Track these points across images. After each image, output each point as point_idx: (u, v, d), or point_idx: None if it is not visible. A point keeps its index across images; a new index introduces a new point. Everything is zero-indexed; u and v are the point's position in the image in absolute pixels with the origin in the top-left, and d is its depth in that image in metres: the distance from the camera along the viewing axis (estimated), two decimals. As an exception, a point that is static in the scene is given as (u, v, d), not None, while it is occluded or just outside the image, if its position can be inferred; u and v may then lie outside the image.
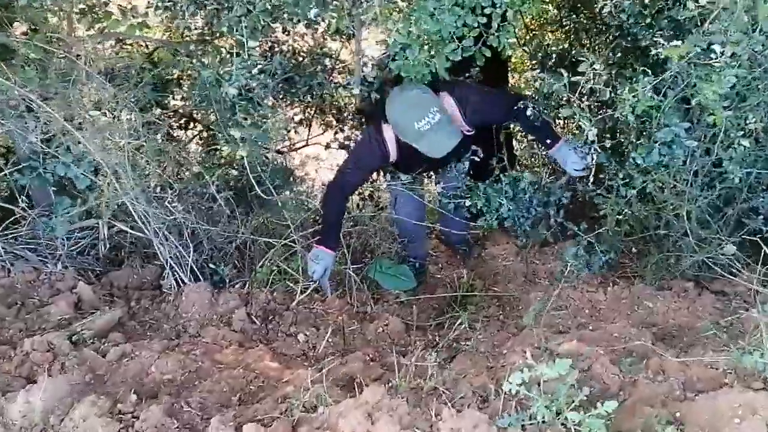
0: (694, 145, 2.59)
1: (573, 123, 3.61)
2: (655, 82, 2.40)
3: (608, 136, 2.92)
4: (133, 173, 2.83)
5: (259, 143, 2.62)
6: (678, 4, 2.67)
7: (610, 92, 2.53)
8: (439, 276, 3.84)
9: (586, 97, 3.00)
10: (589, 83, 2.55)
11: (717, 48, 2.35)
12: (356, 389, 2.20)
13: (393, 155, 2.93)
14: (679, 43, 2.33)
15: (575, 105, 2.60)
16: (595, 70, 2.52)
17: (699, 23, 2.68)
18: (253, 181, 2.73)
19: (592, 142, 2.71)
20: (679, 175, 2.76)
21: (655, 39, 2.71)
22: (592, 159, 2.84)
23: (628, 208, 2.95)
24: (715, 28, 2.31)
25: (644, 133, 2.76)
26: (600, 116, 2.70)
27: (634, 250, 3.13)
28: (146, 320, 2.68)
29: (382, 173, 3.41)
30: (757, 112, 2.56)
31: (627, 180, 2.80)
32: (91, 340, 2.45)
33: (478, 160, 3.18)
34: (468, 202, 3.01)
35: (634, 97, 2.32)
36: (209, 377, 2.23)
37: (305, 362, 2.46)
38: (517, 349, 2.36)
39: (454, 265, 4.00)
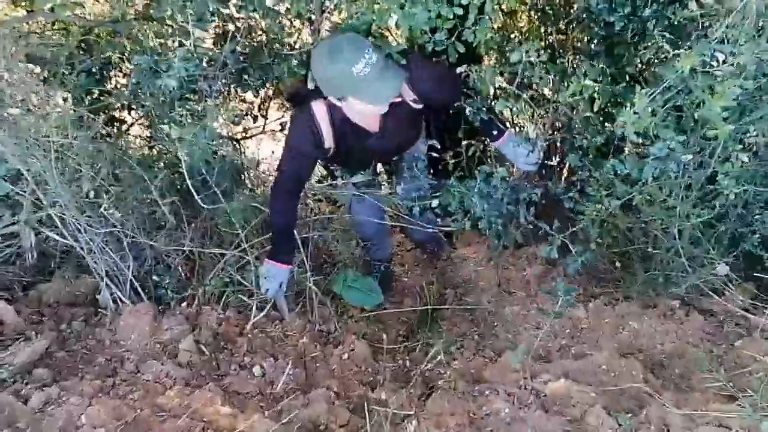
0: (688, 159, 2.37)
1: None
2: (654, 95, 2.15)
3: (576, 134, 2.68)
4: (61, 177, 2.45)
5: (202, 142, 2.26)
6: (675, 3, 2.42)
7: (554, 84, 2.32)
8: (406, 279, 3.59)
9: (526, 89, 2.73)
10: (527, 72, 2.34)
11: (720, 56, 2.12)
12: (321, 440, 1.95)
13: (328, 140, 2.57)
14: (683, 51, 2.08)
15: (512, 97, 2.38)
16: (530, 58, 2.29)
17: (700, 26, 2.42)
18: (192, 189, 2.38)
19: (535, 137, 2.51)
20: (670, 188, 2.54)
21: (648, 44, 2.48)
22: (539, 155, 2.67)
23: (610, 218, 2.75)
24: (720, 34, 2.08)
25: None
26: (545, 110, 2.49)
27: (617, 264, 2.93)
28: (78, 350, 2.34)
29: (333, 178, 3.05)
30: (760, 125, 2.36)
31: (609, 190, 2.58)
32: (12, 379, 2.11)
33: (437, 155, 2.86)
34: (435, 203, 2.70)
35: (635, 114, 2.07)
36: (149, 430, 1.92)
37: (262, 403, 2.17)
38: (499, 389, 2.13)
39: (421, 266, 3.75)
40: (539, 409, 1.98)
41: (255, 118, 3.61)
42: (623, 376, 2.22)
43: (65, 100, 2.58)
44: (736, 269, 2.67)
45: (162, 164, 2.83)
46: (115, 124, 3.01)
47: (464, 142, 2.76)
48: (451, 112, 2.67)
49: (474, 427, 1.91)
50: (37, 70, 2.70)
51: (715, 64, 2.11)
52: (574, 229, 2.68)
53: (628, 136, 2.14)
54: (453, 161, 2.74)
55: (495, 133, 2.64)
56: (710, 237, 2.62)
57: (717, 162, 2.44)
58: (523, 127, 2.51)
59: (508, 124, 2.90)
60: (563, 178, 2.93)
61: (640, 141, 2.41)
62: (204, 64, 2.40)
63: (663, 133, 2.28)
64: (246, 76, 2.75)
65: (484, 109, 2.56)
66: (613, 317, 2.74)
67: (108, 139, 2.78)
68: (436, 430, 1.89)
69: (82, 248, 2.51)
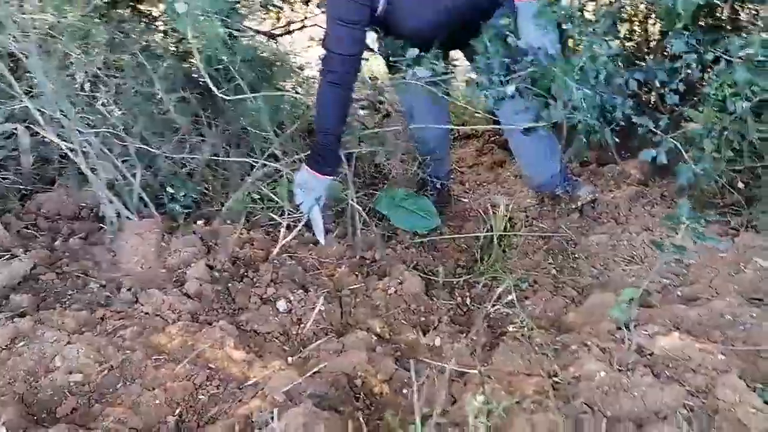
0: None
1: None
2: None
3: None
4: (47, 63, 1.99)
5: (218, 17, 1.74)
6: None
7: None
8: (465, 200, 3.06)
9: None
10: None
11: None
12: (355, 398, 1.51)
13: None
14: None
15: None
16: None
17: None
18: (210, 81, 1.88)
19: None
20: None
21: None
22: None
23: (733, 126, 2.12)
24: None
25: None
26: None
27: (740, 185, 2.31)
28: (70, 272, 1.94)
29: (392, 72, 2.47)
30: None
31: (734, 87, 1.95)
32: (-17, 306, 1.73)
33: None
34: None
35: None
36: (140, 377, 1.51)
37: (285, 347, 1.73)
38: (590, 343, 1.62)
39: (483, 185, 3.21)
40: (647, 374, 1.47)
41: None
42: (759, 331, 1.66)
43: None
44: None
45: (172, 51, 2.32)
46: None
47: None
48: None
49: (560, 394, 1.41)
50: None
51: None
52: (684, 130, 2.08)
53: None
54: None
55: None
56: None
57: None
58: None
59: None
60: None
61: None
62: None
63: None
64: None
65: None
66: (732, 252, 2.16)
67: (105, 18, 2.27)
68: (507, 395, 1.41)
69: (76, 151, 2.07)
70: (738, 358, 1.53)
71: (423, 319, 1.96)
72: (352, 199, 2.30)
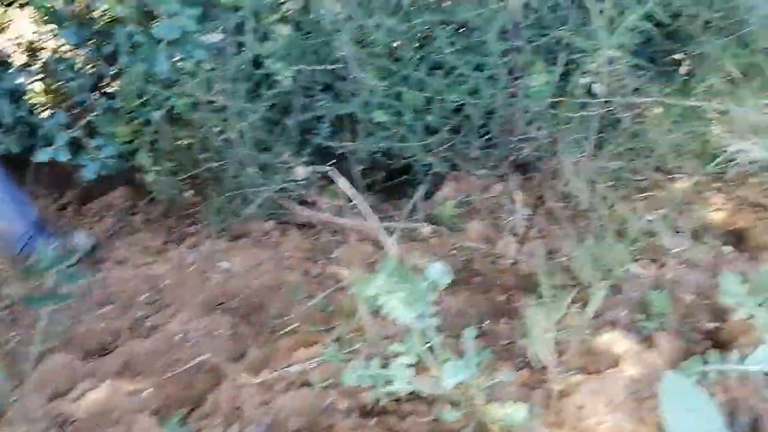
0: (217, 41, 1.83)
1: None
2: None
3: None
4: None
5: None
6: None
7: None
8: None
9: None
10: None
11: None
12: None
13: None
14: None
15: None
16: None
17: None
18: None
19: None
20: (213, 84, 1.98)
21: None
22: None
23: (158, 135, 2.11)
24: None
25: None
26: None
27: (189, 192, 2.32)
28: None
29: None
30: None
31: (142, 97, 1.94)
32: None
33: None
34: None
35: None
36: None
37: None
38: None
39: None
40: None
41: None
42: (202, 342, 1.63)
43: None
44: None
45: None
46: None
47: None
48: None
49: None
50: None
51: None
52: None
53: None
54: None
55: None
56: (278, 137, 2.16)
57: (255, 41, 1.95)
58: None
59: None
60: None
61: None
62: None
63: (165, 4, 1.65)
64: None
65: None
66: (201, 261, 2.15)
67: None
68: None
69: None
70: (160, 391, 1.45)
71: None
72: None
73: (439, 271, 1.13)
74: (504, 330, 1.37)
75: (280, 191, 2.12)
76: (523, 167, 2.25)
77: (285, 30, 1.99)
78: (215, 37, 1.87)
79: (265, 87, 2.09)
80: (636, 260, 1.47)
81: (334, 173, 1.77)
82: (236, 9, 1.85)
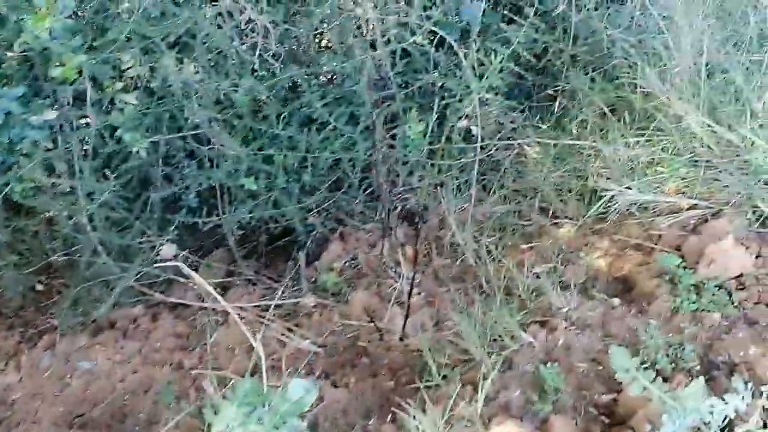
0: (50, 119, 1.61)
1: None
2: None
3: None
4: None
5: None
6: None
7: None
8: None
9: None
10: None
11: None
12: None
13: None
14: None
15: None
16: None
17: None
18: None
19: None
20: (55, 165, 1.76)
21: None
22: None
23: None
24: None
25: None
26: None
27: (40, 287, 2.06)
28: None
29: None
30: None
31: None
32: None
33: None
34: None
35: None
36: None
37: None
38: None
39: None
40: None
41: None
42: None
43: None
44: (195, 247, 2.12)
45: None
46: None
47: None
48: None
49: None
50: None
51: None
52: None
53: None
54: None
55: None
56: (139, 214, 1.95)
57: (96, 110, 1.75)
58: None
59: None
60: None
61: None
62: None
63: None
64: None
65: None
66: (58, 363, 1.89)
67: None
68: None
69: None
70: None
71: None
72: None
73: (302, 389, 0.98)
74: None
75: (145, 273, 1.90)
76: (410, 217, 2.15)
77: (131, 98, 1.80)
78: (49, 115, 1.65)
79: (119, 161, 1.88)
80: (526, 325, 1.38)
81: (183, 268, 1.59)
82: (71, 82, 1.64)
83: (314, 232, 2.12)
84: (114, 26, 1.77)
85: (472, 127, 1.97)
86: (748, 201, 1.54)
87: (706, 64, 1.82)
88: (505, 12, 2.14)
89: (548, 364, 1.25)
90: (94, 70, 1.75)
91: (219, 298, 1.47)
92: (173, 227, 1.93)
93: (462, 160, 2.01)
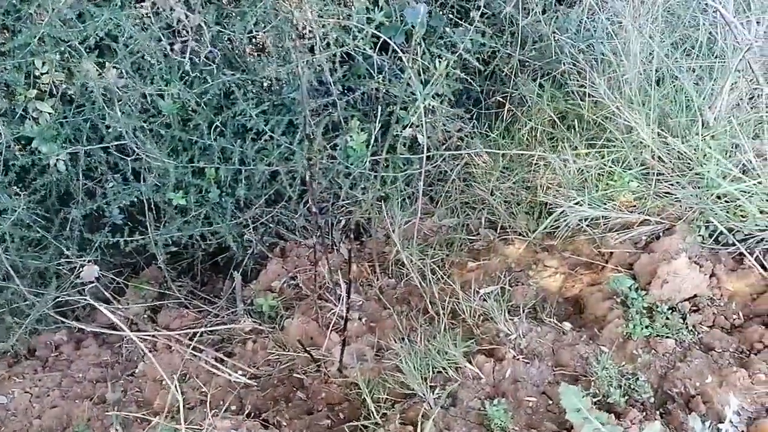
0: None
1: None
2: None
3: None
4: None
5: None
6: None
7: None
8: None
9: None
10: None
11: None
12: None
13: None
14: None
15: None
16: None
17: None
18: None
19: None
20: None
21: None
22: None
23: None
24: None
25: None
26: None
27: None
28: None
29: None
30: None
31: None
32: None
33: None
34: None
35: None
36: None
37: None
38: None
39: None
40: None
41: None
42: None
43: None
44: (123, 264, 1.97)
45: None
46: None
47: None
48: None
49: None
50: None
51: None
52: None
53: None
54: None
55: None
56: (58, 233, 1.79)
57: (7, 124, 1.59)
58: None
59: None
60: None
61: None
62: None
63: None
64: None
65: None
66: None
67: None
68: None
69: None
70: None
71: None
72: None
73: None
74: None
75: (65, 297, 1.74)
76: (356, 231, 2.05)
77: (47, 107, 1.64)
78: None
79: (34, 175, 1.72)
80: (472, 355, 1.29)
81: (95, 301, 1.45)
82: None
83: (252, 250, 2.00)
84: (26, 28, 1.61)
85: (417, 136, 1.87)
86: (701, 216, 1.48)
87: (656, 70, 1.76)
88: (452, 15, 2.06)
89: (495, 400, 1.16)
90: (4, 76, 1.60)
91: (132, 335, 1.32)
92: (95, 246, 1.77)
93: (407, 171, 1.92)
